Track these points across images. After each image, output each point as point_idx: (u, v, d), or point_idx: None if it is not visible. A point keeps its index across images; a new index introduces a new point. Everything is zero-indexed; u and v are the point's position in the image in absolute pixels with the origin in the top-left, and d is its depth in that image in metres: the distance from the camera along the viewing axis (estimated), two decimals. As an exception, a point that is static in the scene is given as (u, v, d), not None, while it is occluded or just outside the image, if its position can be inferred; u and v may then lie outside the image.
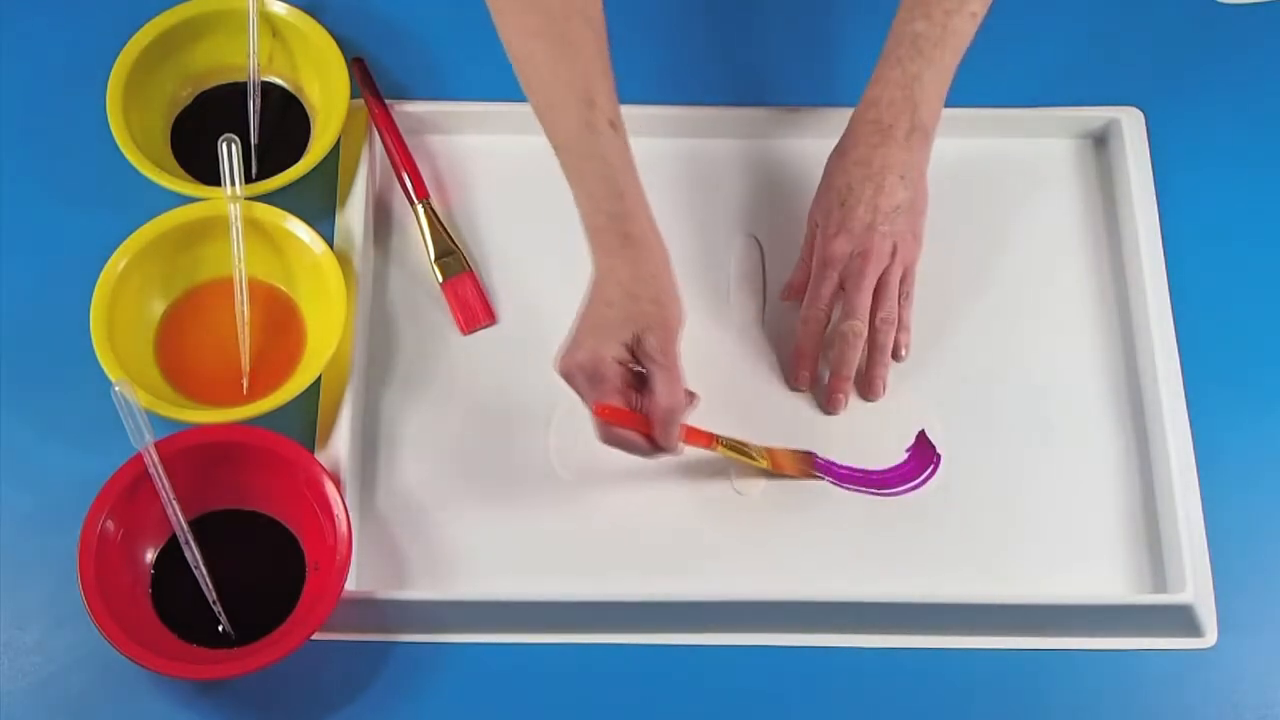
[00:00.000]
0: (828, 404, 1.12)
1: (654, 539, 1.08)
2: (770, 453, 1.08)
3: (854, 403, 1.12)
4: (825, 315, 1.11)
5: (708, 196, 1.20)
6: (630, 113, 1.20)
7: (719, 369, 1.13)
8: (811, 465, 1.10)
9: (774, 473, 1.08)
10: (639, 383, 1.03)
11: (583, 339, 1.02)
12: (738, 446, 1.07)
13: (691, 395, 1.05)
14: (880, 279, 1.09)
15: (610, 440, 1.03)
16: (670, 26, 1.26)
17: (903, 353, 1.12)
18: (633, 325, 1.01)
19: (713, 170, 1.21)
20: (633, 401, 1.03)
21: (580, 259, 1.16)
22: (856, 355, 1.10)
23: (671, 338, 1.03)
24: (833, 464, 1.11)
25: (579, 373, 1.02)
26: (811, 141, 1.20)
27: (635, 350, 1.02)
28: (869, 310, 1.09)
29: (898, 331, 1.11)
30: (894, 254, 1.09)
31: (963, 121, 1.18)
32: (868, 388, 1.12)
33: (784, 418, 1.12)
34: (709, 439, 1.06)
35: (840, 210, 1.09)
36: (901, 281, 1.10)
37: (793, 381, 1.12)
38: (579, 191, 1.04)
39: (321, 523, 1.03)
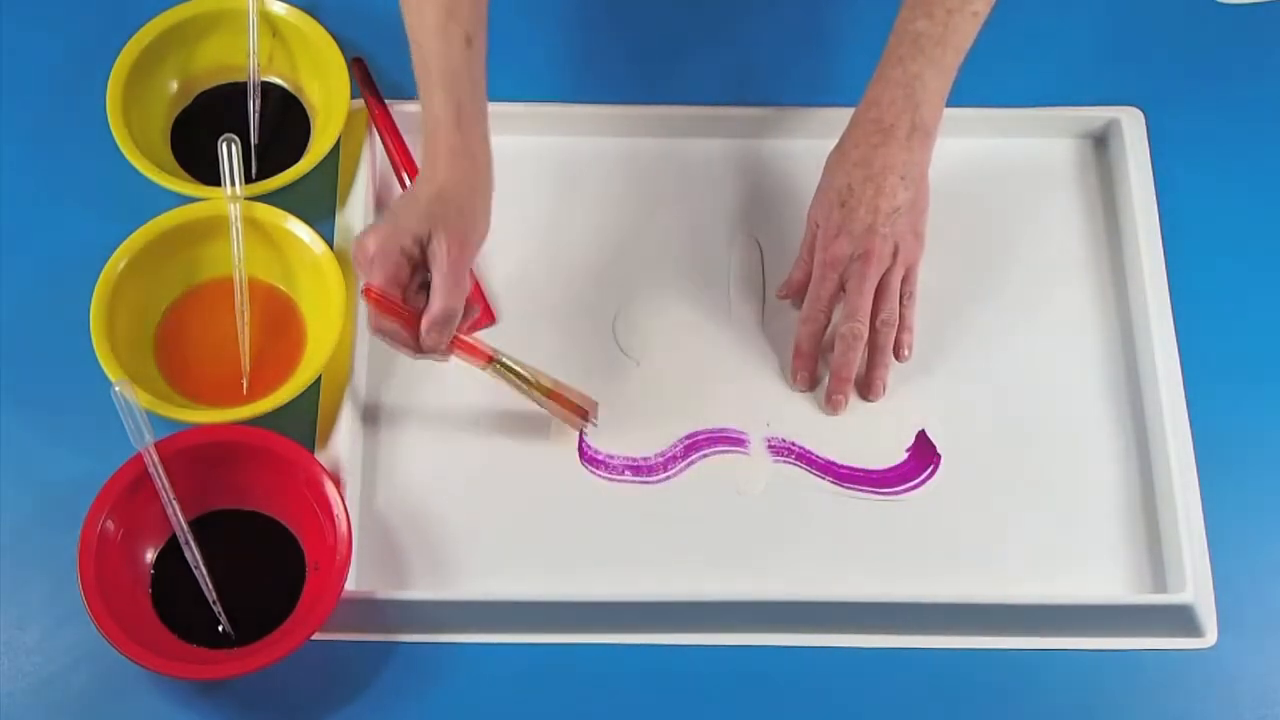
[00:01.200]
0: (828, 405, 1.12)
1: (655, 539, 1.08)
2: (554, 393, 1.08)
3: (854, 403, 1.12)
4: (826, 317, 1.11)
5: (708, 196, 1.20)
6: (630, 113, 1.21)
7: (718, 368, 1.13)
8: (586, 416, 1.09)
9: (547, 405, 1.08)
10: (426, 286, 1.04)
11: (381, 225, 1.03)
12: (515, 373, 1.07)
13: (488, 316, 1.09)
14: (881, 280, 1.09)
15: (378, 329, 1.04)
16: (670, 27, 1.26)
17: (905, 353, 1.12)
18: (429, 223, 1.01)
19: (712, 170, 1.20)
20: (413, 300, 1.03)
21: (580, 259, 1.16)
22: (857, 357, 1.10)
23: (463, 248, 1.02)
24: (833, 464, 1.11)
25: (364, 255, 1.02)
26: (811, 142, 1.20)
27: (425, 250, 1.02)
28: (869, 312, 1.09)
29: (900, 331, 1.11)
30: (895, 255, 1.09)
31: (963, 121, 1.18)
32: (867, 389, 1.12)
33: (784, 417, 1.12)
34: (486, 357, 1.06)
35: (840, 211, 1.08)
36: (904, 282, 1.10)
37: (792, 381, 1.12)
38: (421, 90, 1.05)
39: (321, 523, 1.03)
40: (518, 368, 1.07)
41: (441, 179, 1.03)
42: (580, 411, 1.09)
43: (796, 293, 1.13)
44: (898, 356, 1.12)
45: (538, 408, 1.11)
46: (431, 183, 1.03)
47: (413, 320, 1.03)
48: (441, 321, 1.02)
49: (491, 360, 1.06)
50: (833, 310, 1.11)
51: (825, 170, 1.11)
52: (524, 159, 1.20)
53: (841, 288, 1.10)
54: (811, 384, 1.12)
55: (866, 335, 1.09)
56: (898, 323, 1.11)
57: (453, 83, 1.03)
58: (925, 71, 1.07)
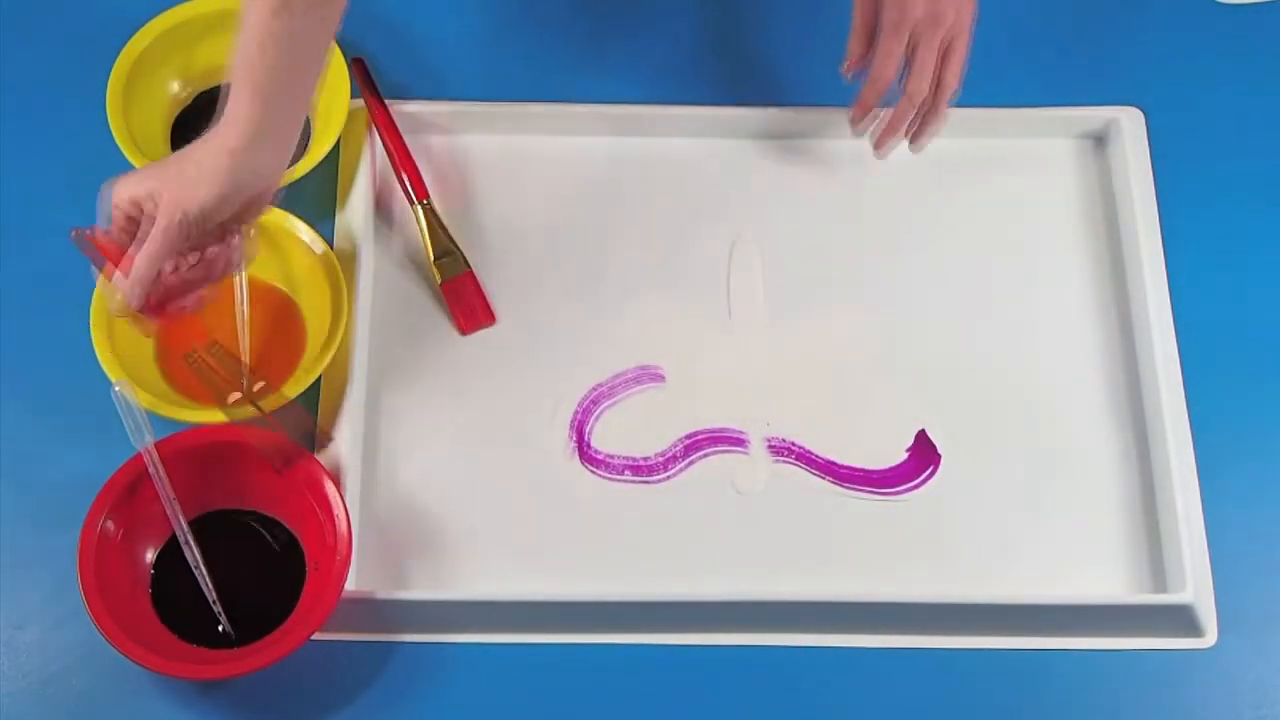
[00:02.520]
0: (879, 149, 1.15)
1: (654, 539, 1.08)
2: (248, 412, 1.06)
3: (854, 403, 1.12)
4: (895, 74, 1.12)
5: (708, 196, 1.20)
6: (630, 112, 1.21)
7: (718, 368, 1.13)
8: (281, 456, 1.05)
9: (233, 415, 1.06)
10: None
11: (133, 173, 1.01)
12: (213, 370, 1.05)
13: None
14: (949, 45, 1.11)
15: (90, 257, 1.01)
16: (670, 27, 1.26)
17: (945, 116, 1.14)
18: (153, 181, 0.98)
19: (712, 170, 1.20)
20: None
21: (580, 259, 1.16)
22: (914, 113, 1.12)
23: (173, 210, 0.97)
24: (833, 464, 1.11)
25: (104, 194, 1.00)
26: (811, 141, 1.20)
27: (141, 206, 0.99)
28: (934, 73, 1.11)
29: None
30: (960, 15, 1.10)
31: (963, 121, 1.18)
32: (916, 139, 1.14)
33: (784, 417, 1.12)
34: (199, 338, 1.04)
35: None
36: (961, 46, 1.12)
37: (852, 126, 1.15)
38: (240, 72, 1.00)
39: (321, 523, 1.03)
40: (217, 364, 1.04)
41: (206, 138, 0.99)
42: (274, 444, 1.06)
43: (859, 62, 1.14)
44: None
45: (538, 408, 1.11)
46: (200, 142, 0.99)
47: (115, 266, 1.00)
48: (130, 278, 0.98)
49: (195, 346, 1.04)
50: (900, 67, 1.11)
51: None
52: (524, 159, 1.20)
53: (911, 46, 1.11)
54: (866, 128, 1.15)
55: (928, 94, 1.11)
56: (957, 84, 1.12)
57: (244, 43, 0.98)
58: None
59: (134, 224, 1.00)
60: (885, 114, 1.13)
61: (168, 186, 0.98)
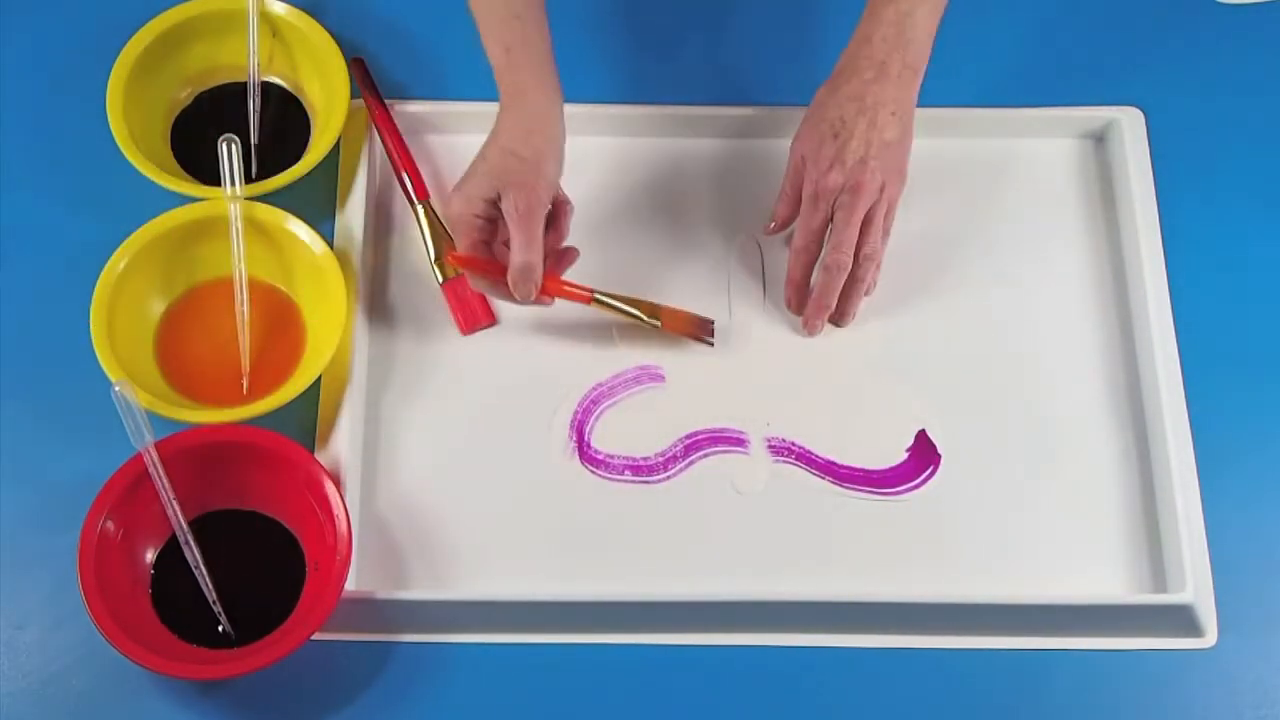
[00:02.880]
0: (805, 328, 1.14)
1: (654, 539, 1.08)
2: (663, 312, 1.12)
3: (854, 403, 1.12)
4: (818, 247, 1.12)
5: (707, 196, 1.20)
6: (630, 113, 1.21)
7: (718, 368, 1.13)
8: (706, 330, 1.13)
9: (664, 330, 1.12)
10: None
11: (458, 190, 1.07)
12: (619, 302, 1.12)
13: (568, 252, 1.12)
14: (867, 214, 1.10)
15: (478, 285, 1.10)
16: (670, 27, 1.26)
17: (871, 290, 1.14)
18: (496, 182, 1.05)
19: (711, 170, 1.20)
20: (498, 252, 1.09)
21: (581, 260, 1.16)
22: (839, 287, 1.11)
23: (534, 198, 1.05)
24: (833, 464, 1.11)
25: (450, 221, 1.08)
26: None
27: (497, 204, 1.05)
28: (854, 244, 1.10)
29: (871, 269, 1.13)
30: (882, 190, 1.09)
31: (963, 121, 1.18)
32: (841, 316, 1.14)
33: (784, 417, 1.12)
34: (586, 298, 1.11)
35: (834, 143, 1.09)
36: (885, 218, 1.11)
37: (788, 307, 1.15)
38: (490, 44, 1.08)
39: (321, 523, 1.03)
40: (619, 302, 1.11)
41: (507, 130, 1.06)
42: (696, 328, 1.13)
43: (783, 227, 1.15)
44: (866, 291, 1.13)
45: (538, 408, 1.11)
46: (498, 138, 1.06)
47: (500, 273, 1.07)
48: (522, 275, 1.06)
49: (592, 298, 1.11)
50: (823, 240, 1.11)
51: (815, 104, 1.12)
52: (524, 159, 1.20)
53: (830, 219, 1.10)
54: (802, 309, 1.14)
55: (850, 267, 1.11)
56: (878, 258, 1.12)
57: (500, 28, 1.07)
58: (917, 10, 1.08)
59: (490, 224, 1.07)
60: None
61: (505, 184, 1.05)
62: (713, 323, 1.13)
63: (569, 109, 1.20)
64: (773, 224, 1.15)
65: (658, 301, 1.13)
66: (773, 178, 1.20)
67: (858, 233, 1.10)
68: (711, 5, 1.27)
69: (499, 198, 1.05)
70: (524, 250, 1.05)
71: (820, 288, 1.12)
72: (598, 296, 1.11)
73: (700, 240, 1.18)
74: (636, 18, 1.27)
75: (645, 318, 1.12)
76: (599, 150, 1.21)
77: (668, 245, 1.18)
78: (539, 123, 1.07)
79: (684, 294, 1.16)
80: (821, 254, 1.12)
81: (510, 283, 1.07)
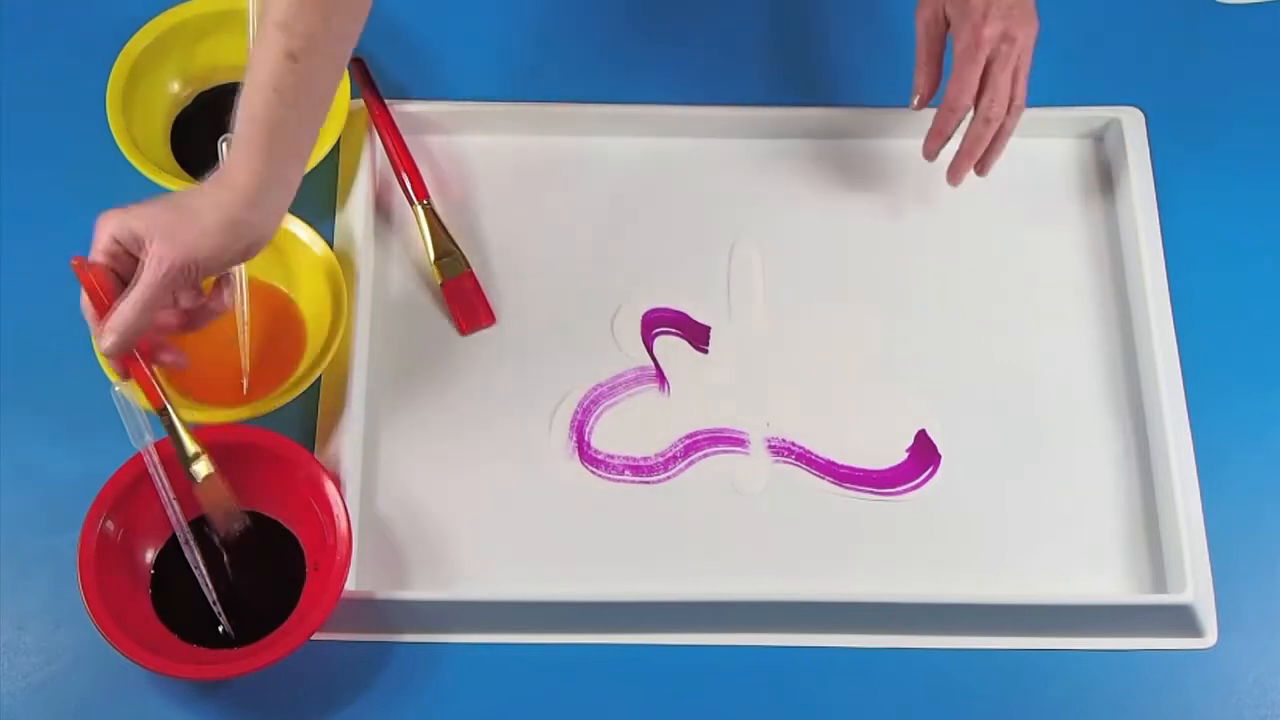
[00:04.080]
0: (952, 177, 1.14)
1: (654, 539, 1.08)
2: (205, 479, 1.02)
3: (854, 403, 1.12)
4: (971, 99, 1.11)
5: (707, 197, 1.20)
6: (630, 112, 1.21)
7: (719, 369, 1.13)
8: (230, 522, 1.04)
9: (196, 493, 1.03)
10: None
11: (131, 206, 0.97)
12: (180, 429, 1.01)
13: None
14: (1017, 64, 1.10)
15: (84, 303, 0.98)
16: (670, 27, 1.26)
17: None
18: (140, 224, 0.96)
19: (712, 170, 1.20)
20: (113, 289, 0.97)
21: (579, 260, 1.16)
22: (991, 136, 1.11)
23: (162, 263, 0.95)
24: (833, 464, 1.11)
25: (99, 226, 0.97)
26: (811, 142, 1.20)
27: (119, 242, 0.96)
28: (1008, 95, 1.10)
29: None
30: (1029, 38, 1.10)
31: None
32: (984, 166, 1.13)
33: (784, 417, 1.12)
34: (158, 404, 1.00)
35: None
36: (1023, 62, 1.11)
37: (925, 155, 1.14)
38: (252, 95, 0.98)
39: (321, 523, 1.03)
40: (183, 436, 1.01)
41: (206, 188, 0.97)
42: (221, 513, 1.04)
43: (929, 98, 1.14)
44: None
45: (538, 408, 1.11)
46: (197, 189, 0.97)
47: (102, 307, 0.97)
48: (113, 326, 0.96)
49: (162, 410, 1.00)
50: (976, 90, 1.11)
51: None
52: (524, 159, 1.20)
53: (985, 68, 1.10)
54: (938, 153, 1.14)
55: (1004, 116, 1.11)
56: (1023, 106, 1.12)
57: (249, 95, 0.97)
58: None
59: (117, 262, 0.97)
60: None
61: (158, 235, 0.95)
62: (237, 517, 1.04)
63: (570, 109, 1.21)
64: (916, 98, 1.15)
65: (210, 467, 1.01)
66: (774, 178, 1.20)
67: (1010, 82, 1.10)
68: (714, 5, 1.27)
69: (142, 238, 0.95)
70: (130, 302, 0.95)
71: (973, 139, 1.12)
72: (169, 408, 1.00)
73: (700, 240, 1.18)
74: (637, 18, 1.27)
75: (188, 462, 1.01)
76: (599, 150, 1.21)
77: (668, 245, 1.18)
78: (223, 208, 0.96)
79: (684, 294, 1.16)
80: (977, 104, 1.11)
81: (101, 326, 0.97)
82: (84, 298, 0.98)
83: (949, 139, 1.13)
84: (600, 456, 1.10)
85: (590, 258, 1.17)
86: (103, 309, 0.97)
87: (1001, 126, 1.12)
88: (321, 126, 1.01)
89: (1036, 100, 1.22)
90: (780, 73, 1.24)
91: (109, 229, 0.97)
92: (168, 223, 0.96)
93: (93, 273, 0.97)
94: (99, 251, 0.97)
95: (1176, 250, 1.17)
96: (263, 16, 0.98)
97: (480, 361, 1.14)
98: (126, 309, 0.96)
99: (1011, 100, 1.11)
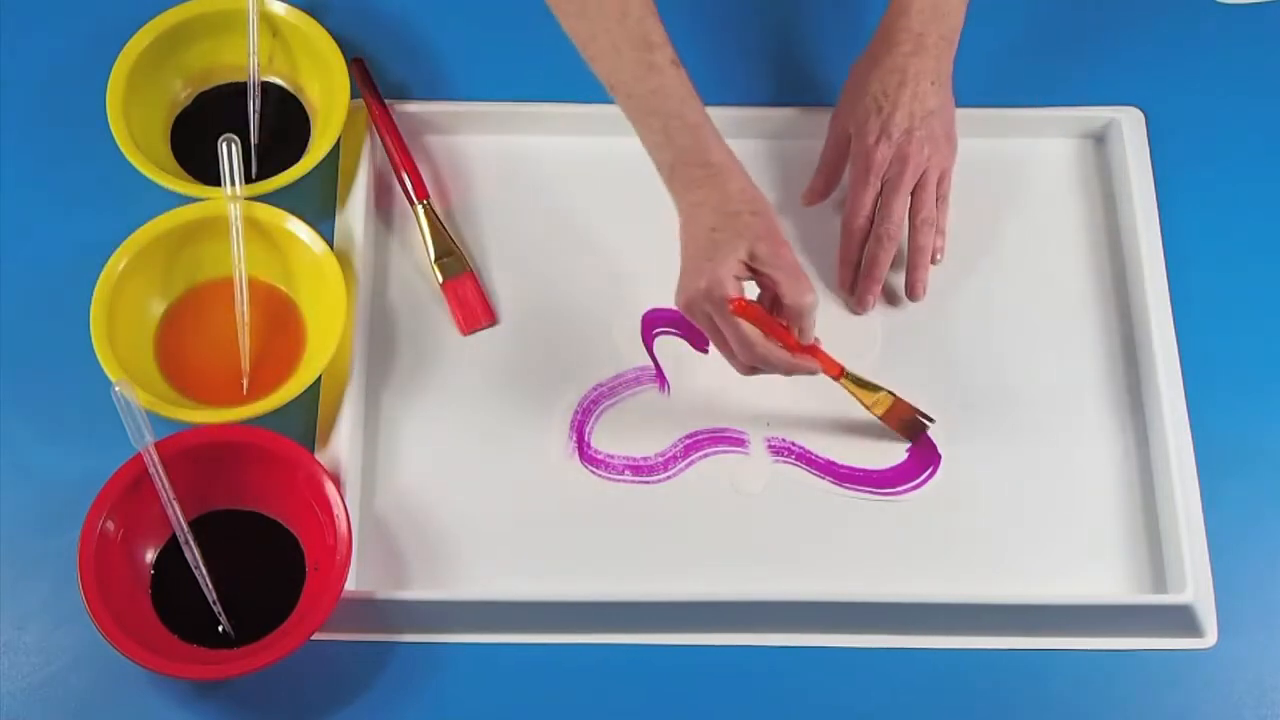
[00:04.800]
0: (858, 305, 1.14)
1: (654, 539, 1.08)
2: (889, 403, 1.09)
3: (853, 403, 1.12)
4: (869, 223, 1.13)
5: (708, 196, 1.19)
6: (630, 113, 1.20)
7: (718, 368, 1.13)
8: (916, 429, 1.10)
9: (880, 419, 1.10)
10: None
11: (698, 266, 1.02)
12: (861, 383, 1.09)
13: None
14: (918, 182, 1.11)
15: (753, 360, 1.04)
16: (670, 27, 1.26)
17: (938, 257, 1.14)
18: (743, 241, 1.02)
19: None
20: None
21: (580, 260, 1.16)
22: (889, 258, 1.12)
23: (781, 242, 1.03)
24: (833, 464, 1.11)
25: (702, 301, 1.02)
26: (812, 142, 1.20)
27: (751, 264, 1.02)
28: (905, 214, 1.11)
29: (934, 236, 1.13)
30: (930, 158, 1.11)
31: (963, 121, 1.18)
32: (911, 290, 1.14)
33: (784, 417, 1.12)
34: (838, 369, 1.08)
35: (878, 117, 1.11)
36: (939, 185, 1.12)
37: (838, 286, 1.15)
38: (648, 132, 1.05)
39: (321, 523, 1.03)
40: (859, 386, 1.09)
41: (716, 201, 1.03)
42: (914, 427, 1.10)
43: (819, 198, 1.16)
44: (931, 260, 1.14)
45: (538, 408, 1.11)
46: (712, 211, 1.03)
47: (778, 327, 1.03)
48: (806, 310, 1.03)
49: (842, 373, 1.08)
50: (874, 215, 1.12)
51: (854, 78, 1.14)
52: (524, 159, 1.20)
53: (879, 193, 1.12)
54: (853, 289, 1.14)
55: (899, 236, 1.12)
56: (936, 223, 1.13)
57: (680, 110, 1.05)
58: None
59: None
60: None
61: (758, 234, 1.02)
62: (926, 425, 1.11)
63: (570, 109, 1.21)
64: (806, 195, 1.16)
65: (892, 392, 1.09)
66: (773, 178, 1.20)
67: (907, 203, 1.11)
68: (713, 5, 1.27)
69: (750, 256, 1.02)
70: (798, 290, 1.02)
71: (870, 260, 1.12)
72: (848, 375, 1.08)
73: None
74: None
75: (871, 407, 1.09)
76: (599, 150, 1.21)
77: (668, 245, 1.17)
78: (748, 185, 1.04)
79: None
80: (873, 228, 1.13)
81: (796, 322, 1.04)
82: (764, 350, 1.03)
83: (858, 266, 1.14)
84: (600, 456, 1.10)
85: (590, 258, 1.17)
86: (774, 324, 1.03)
87: (915, 245, 1.12)
88: None
89: (1037, 100, 1.22)
90: (780, 73, 1.24)
91: (728, 271, 1.01)
92: (742, 229, 1.02)
93: (748, 303, 1.02)
94: (736, 290, 1.02)
95: (1176, 250, 1.17)
96: (643, 44, 1.05)
97: (480, 361, 1.14)
98: (795, 297, 1.02)
99: (915, 215, 1.12)
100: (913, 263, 1.14)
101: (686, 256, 1.04)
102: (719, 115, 1.20)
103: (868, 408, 1.09)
